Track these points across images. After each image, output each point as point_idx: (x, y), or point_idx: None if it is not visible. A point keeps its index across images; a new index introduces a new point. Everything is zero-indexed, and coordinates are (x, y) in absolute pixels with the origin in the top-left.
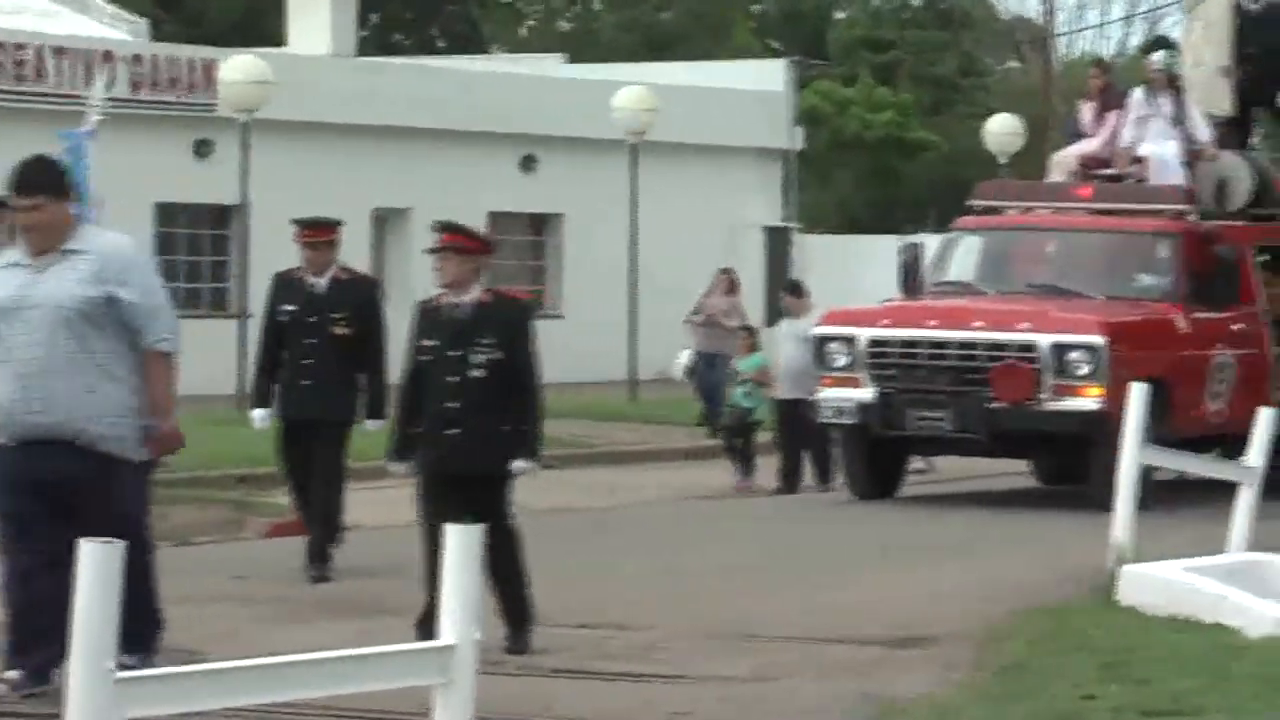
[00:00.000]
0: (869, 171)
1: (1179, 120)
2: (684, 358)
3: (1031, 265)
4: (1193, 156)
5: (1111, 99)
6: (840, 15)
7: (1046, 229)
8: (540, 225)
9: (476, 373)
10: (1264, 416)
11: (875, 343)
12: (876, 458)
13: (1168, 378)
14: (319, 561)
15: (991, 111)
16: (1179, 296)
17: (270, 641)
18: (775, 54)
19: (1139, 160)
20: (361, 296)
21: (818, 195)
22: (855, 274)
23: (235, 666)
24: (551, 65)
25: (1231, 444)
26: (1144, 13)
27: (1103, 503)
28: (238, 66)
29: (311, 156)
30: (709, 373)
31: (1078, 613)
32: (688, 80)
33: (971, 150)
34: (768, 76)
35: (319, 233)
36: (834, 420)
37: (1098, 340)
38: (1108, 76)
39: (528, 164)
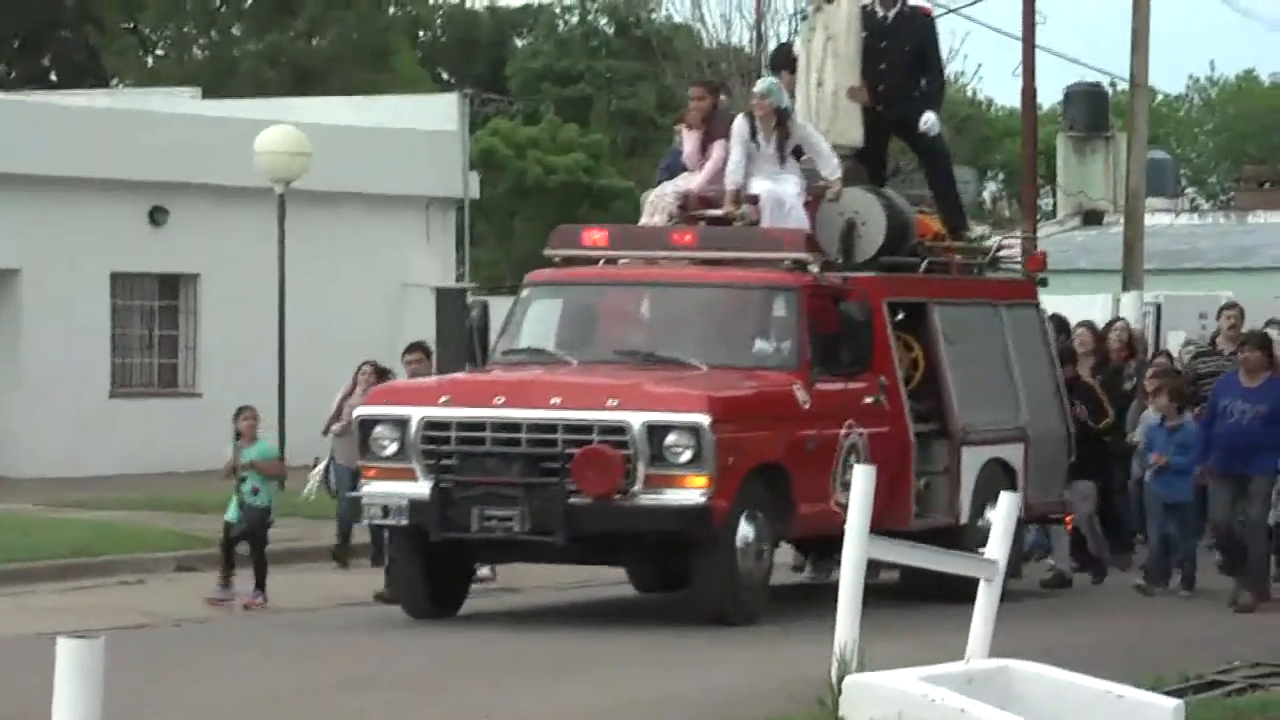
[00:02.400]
0: (554, 222)
1: (786, 155)
2: (318, 474)
3: (622, 328)
4: (815, 195)
5: (719, 126)
6: (521, 43)
7: (639, 284)
8: (172, 288)
9: None
10: (1005, 502)
11: (431, 425)
12: (435, 567)
13: (787, 463)
14: None
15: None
16: (800, 364)
17: None
18: (446, 87)
19: (751, 200)
20: None
21: (495, 250)
22: None
23: None
24: (184, 101)
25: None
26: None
27: (710, 615)
28: None
29: None
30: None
31: None
32: (344, 118)
33: None
34: (437, 113)
35: None
36: (381, 521)
37: (701, 419)
38: (715, 98)
39: (157, 216)
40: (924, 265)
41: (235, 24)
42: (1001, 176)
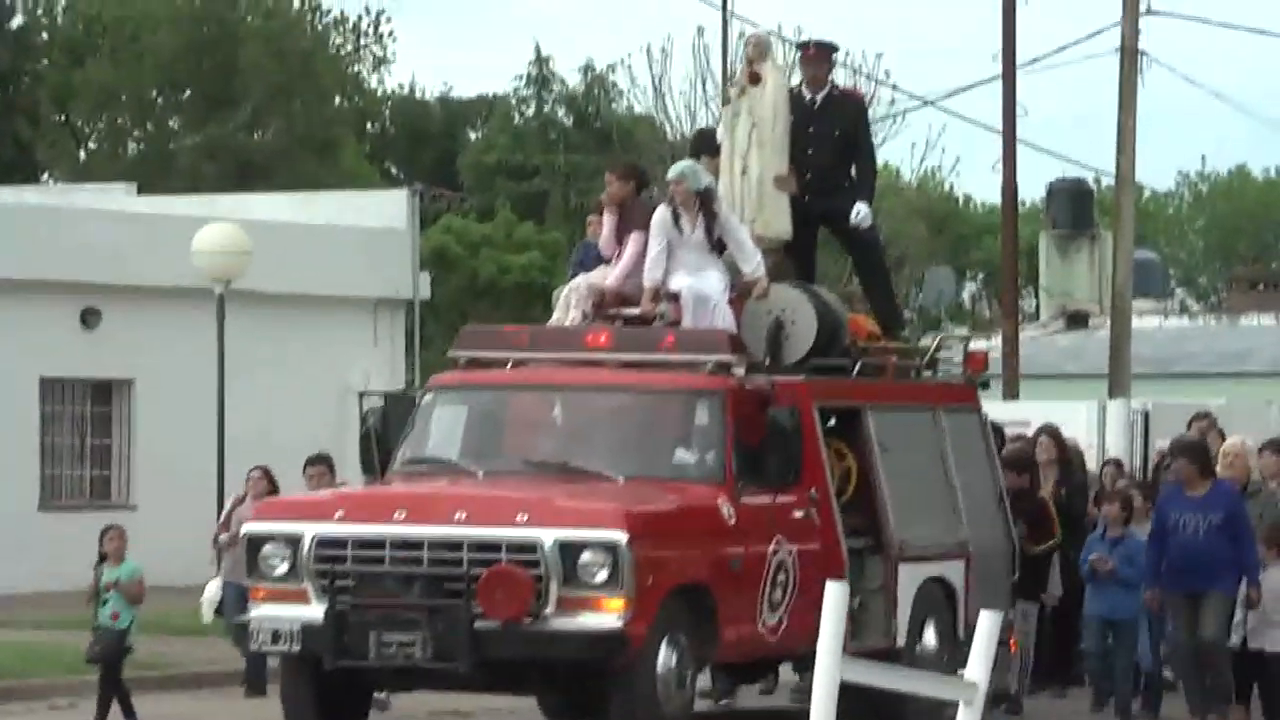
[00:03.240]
0: (511, 324)
1: (715, 242)
2: (211, 592)
3: (532, 436)
4: (740, 292)
5: (638, 216)
6: (474, 135)
7: (551, 388)
8: (105, 394)
9: None
10: (986, 620)
11: (326, 542)
12: (329, 697)
13: (712, 584)
14: None
15: None
16: (724, 475)
17: None
18: (395, 182)
19: (672, 297)
20: None
21: (446, 353)
22: None
23: None
24: (119, 197)
25: (797, 666)
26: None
27: None
28: None
29: None
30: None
31: None
32: (287, 215)
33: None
34: (386, 210)
35: None
36: (271, 649)
37: (617, 536)
38: (634, 184)
39: (89, 319)
40: (857, 368)
41: (173, 116)
42: (981, 276)
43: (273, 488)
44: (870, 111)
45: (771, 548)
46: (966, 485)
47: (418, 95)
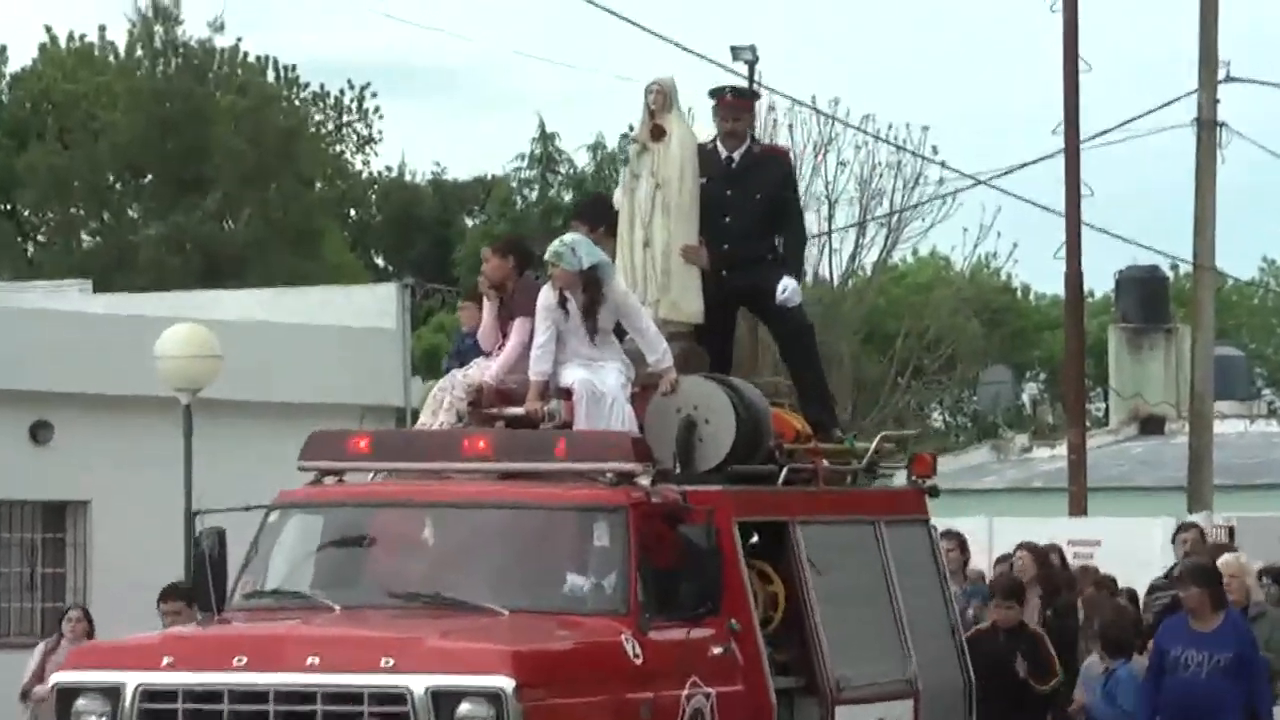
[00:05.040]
0: None
1: (599, 331)
2: None
3: (398, 562)
4: (644, 387)
5: (522, 300)
6: (471, 222)
7: (420, 504)
8: (58, 517)
9: None
10: None
11: (151, 695)
12: None
13: None
14: None
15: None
16: (628, 607)
17: None
18: (382, 275)
19: (563, 394)
20: None
21: None
22: None
23: None
24: (72, 296)
25: None
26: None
27: None
28: None
29: None
30: None
31: None
32: (262, 314)
33: None
34: (372, 307)
35: None
36: None
37: (503, 683)
38: (516, 262)
39: (39, 433)
40: (783, 475)
41: (132, 204)
42: (1043, 376)
43: (93, 631)
44: (869, 183)
45: (686, 692)
46: (914, 611)
47: (407, 178)
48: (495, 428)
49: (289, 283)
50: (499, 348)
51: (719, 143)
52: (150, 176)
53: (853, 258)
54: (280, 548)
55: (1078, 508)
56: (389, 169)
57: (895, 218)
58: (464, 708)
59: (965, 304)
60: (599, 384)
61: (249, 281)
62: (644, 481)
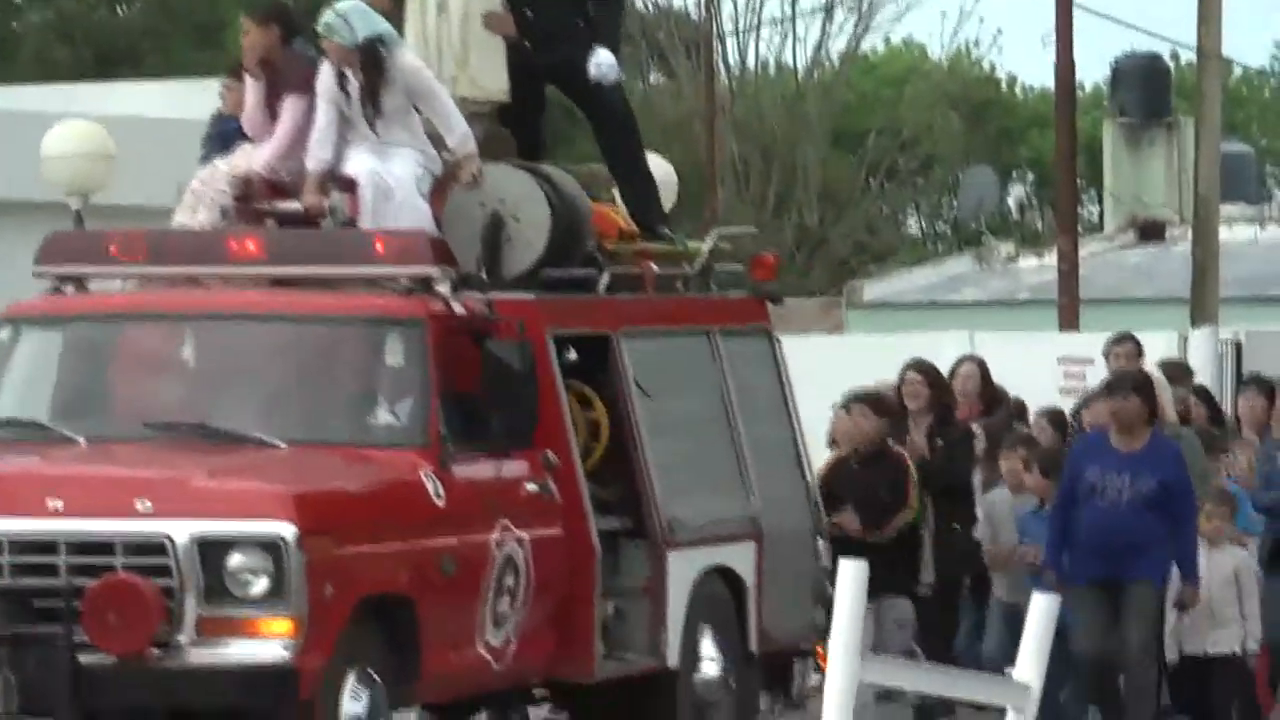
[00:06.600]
0: None
1: (386, 115)
2: None
3: (155, 386)
4: (444, 178)
5: (291, 74)
6: None
7: (178, 316)
8: None
9: None
10: (1040, 604)
11: None
12: None
13: (414, 593)
14: None
15: None
16: (428, 437)
17: None
18: None
19: (346, 186)
20: None
21: None
22: None
23: None
24: None
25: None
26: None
27: None
28: None
29: None
30: None
31: None
32: (160, 109)
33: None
34: None
35: None
36: None
37: (282, 530)
38: (280, 33)
39: None
40: (605, 280)
41: None
42: (1030, 178)
43: None
44: None
45: (495, 536)
46: (756, 440)
47: None
48: (266, 226)
49: (191, 76)
50: (268, 133)
51: None
52: None
53: (818, 47)
54: (12, 371)
55: (1068, 322)
56: None
57: (865, 1)
58: (235, 559)
59: (944, 98)
60: (390, 175)
61: (146, 75)
62: (444, 289)
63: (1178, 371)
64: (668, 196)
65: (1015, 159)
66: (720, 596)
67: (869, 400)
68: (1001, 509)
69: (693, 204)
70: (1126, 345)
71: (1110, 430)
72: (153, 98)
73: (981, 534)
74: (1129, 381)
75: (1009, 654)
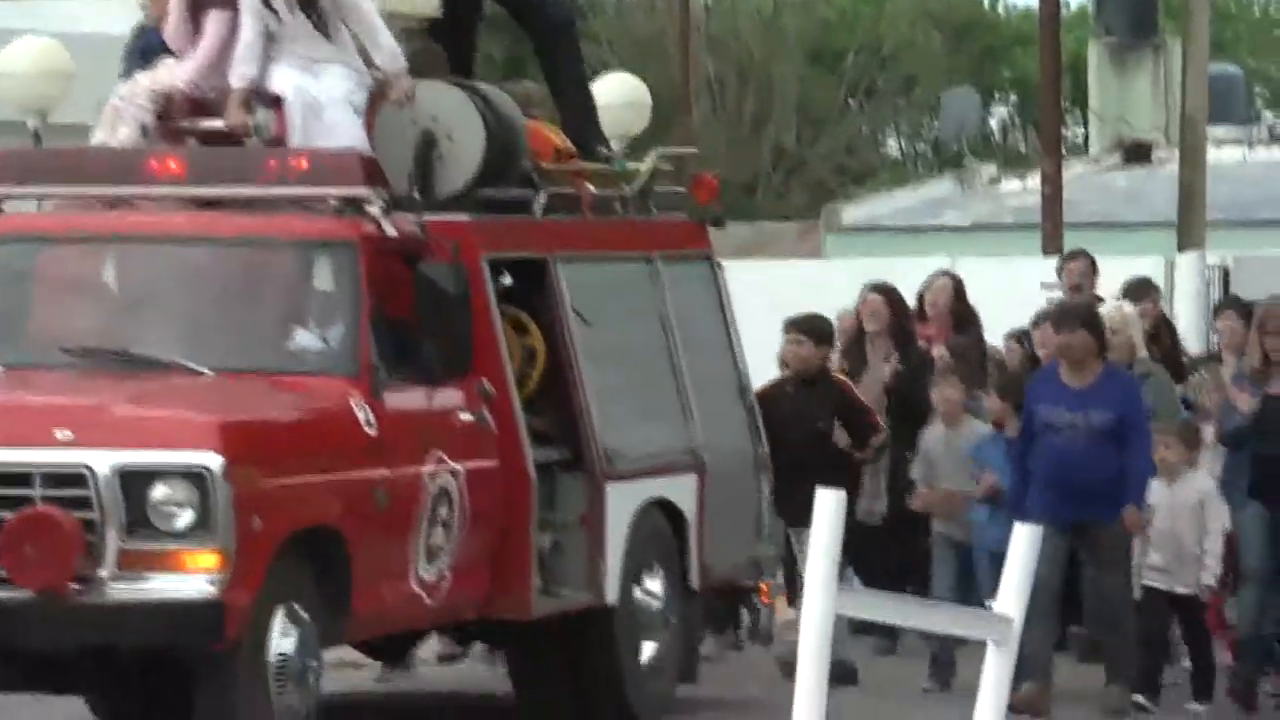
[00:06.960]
0: None
1: (327, 28)
2: None
3: (73, 312)
4: (373, 97)
5: None
6: None
7: (97, 238)
8: None
9: None
10: (1022, 536)
11: None
12: None
13: (345, 526)
14: None
15: (598, 71)
16: (358, 365)
17: None
18: None
19: (272, 103)
20: None
21: None
22: None
23: None
24: None
25: (467, 633)
26: None
27: None
28: None
29: None
30: None
31: None
32: (121, 24)
33: None
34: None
35: None
36: None
37: (208, 460)
38: None
39: None
40: (542, 202)
41: None
42: (1013, 98)
43: None
44: None
45: (429, 468)
46: (697, 368)
47: None
48: (188, 145)
49: None
50: (192, 46)
51: None
52: None
53: None
54: None
55: (1052, 246)
56: None
57: None
58: (159, 490)
59: (925, 16)
60: (319, 92)
61: None
62: (375, 210)
63: (1144, 289)
64: (640, 117)
65: (998, 79)
66: (660, 530)
67: (804, 327)
68: (936, 448)
69: (666, 125)
70: (1080, 261)
71: (1060, 365)
72: (114, 15)
73: (916, 473)
74: (1075, 315)
75: (960, 594)
